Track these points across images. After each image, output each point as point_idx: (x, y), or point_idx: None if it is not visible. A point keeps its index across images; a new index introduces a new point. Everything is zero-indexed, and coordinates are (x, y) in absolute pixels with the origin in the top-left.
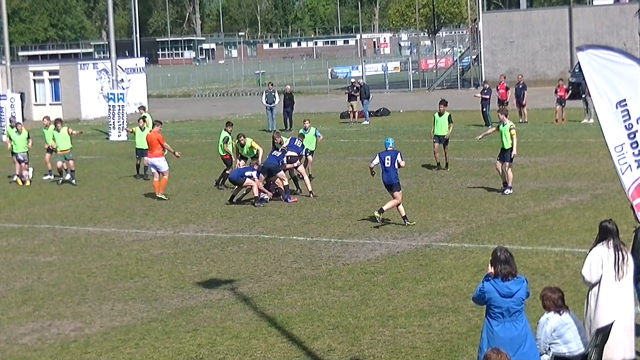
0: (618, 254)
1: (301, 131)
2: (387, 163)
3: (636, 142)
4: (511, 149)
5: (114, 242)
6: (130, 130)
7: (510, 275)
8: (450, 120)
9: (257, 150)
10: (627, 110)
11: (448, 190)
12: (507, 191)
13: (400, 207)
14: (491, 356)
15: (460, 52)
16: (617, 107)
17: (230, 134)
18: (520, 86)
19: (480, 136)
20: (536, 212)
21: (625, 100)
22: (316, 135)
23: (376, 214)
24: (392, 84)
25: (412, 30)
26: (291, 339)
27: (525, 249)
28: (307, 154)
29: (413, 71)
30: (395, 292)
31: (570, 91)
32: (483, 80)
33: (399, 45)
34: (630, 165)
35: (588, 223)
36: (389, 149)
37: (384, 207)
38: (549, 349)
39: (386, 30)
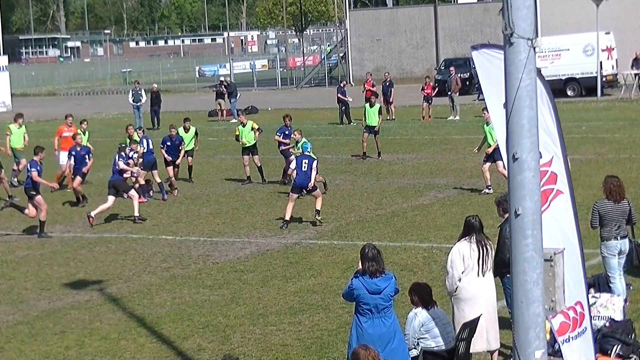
0: (481, 249)
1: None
2: (304, 167)
3: None
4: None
5: None
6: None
7: (378, 272)
8: (380, 112)
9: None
10: None
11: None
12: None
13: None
14: (360, 352)
15: (328, 50)
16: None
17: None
18: (388, 84)
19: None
20: (404, 208)
21: None
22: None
23: (317, 217)
24: (260, 82)
25: (279, 28)
26: (161, 339)
27: (393, 245)
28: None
29: (281, 69)
30: (265, 290)
31: (436, 89)
32: (350, 78)
33: (266, 43)
34: None
35: (455, 218)
36: (305, 153)
37: (317, 208)
38: (418, 343)
39: (254, 28)
